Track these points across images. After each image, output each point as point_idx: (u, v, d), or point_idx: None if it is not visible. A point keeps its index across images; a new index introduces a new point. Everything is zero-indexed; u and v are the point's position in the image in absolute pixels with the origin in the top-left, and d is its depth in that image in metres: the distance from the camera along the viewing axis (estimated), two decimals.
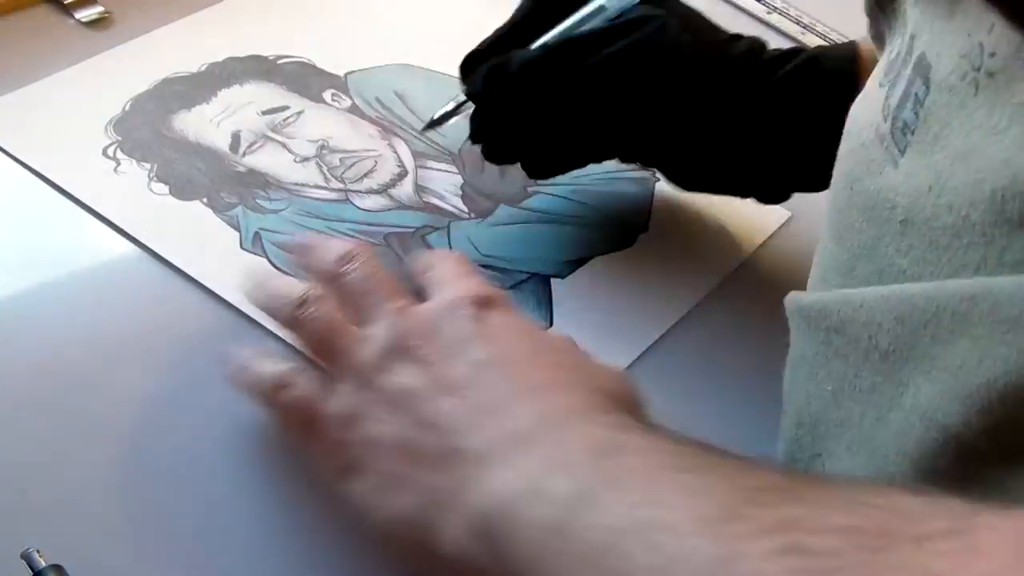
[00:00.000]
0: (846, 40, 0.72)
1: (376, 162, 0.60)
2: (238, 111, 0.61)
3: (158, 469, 0.44)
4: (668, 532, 0.30)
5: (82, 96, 0.61)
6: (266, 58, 0.66)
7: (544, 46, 0.53)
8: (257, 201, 0.56)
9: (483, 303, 0.44)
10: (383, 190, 0.59)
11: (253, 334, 0.50)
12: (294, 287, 0.46)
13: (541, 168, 0.56)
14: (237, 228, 0.55)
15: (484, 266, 0.55)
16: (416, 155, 0.61)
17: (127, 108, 0.61)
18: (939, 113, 0.34)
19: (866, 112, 0.39)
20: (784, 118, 0.52)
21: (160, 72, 0.63)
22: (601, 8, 0.53)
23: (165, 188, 0.56)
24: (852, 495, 0.29)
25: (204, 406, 0.47)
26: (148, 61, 0.64)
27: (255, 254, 0.54)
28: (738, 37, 0.55)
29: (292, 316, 0.45)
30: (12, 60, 0.63)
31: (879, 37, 0.41)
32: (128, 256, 0.53)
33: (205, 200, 0.56)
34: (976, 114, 0.33)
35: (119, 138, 0.58)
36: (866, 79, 0.47)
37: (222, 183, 0.57)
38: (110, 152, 0.58)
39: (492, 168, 0.59)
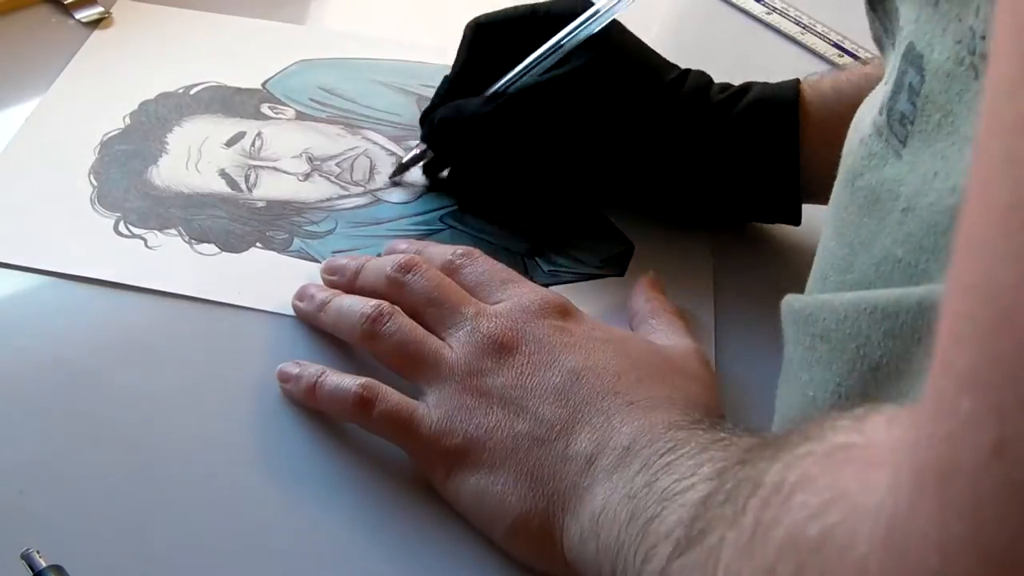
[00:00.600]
0: (842, 39, 0.72)
1: (370, 158, 0.60)
2: (202, 150, 0.59)
3: (158, 469, 0.44)
4: (691, 489, 0.35)
5: (38, 181, 0.56)
6: (176, 92, 0.63)
7: (496, 95, 0.55)
8: (306, 228, 0.55)
9: (560, 312, 0.47)
10: (398, 180, 0.59)
11: (252, 332, 0.50)
12: (359, 304, 0.47)
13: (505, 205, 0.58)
14: (311, 259, 0.54)
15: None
16: (395, 139, 0.60)
17: (94, 182, 0.56)
18: (938, 100, 0.34)
19: (868, 110, 0.39)
20: (739, 152, 0.54)
21: (88, 137, 0.59)
22: (557, 46, 0.54)
23: (213, 248, 0.54)
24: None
25: (205, 406, 0.46)
26: (63, 131, 0.59)
27: None
28: (685, 73, 0.56)
29: (368, 332, 0.46)
30: (12, 60, 0.63)
31: (878, 40, 0.41)
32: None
33: (259, 245, 0.54)
34: (976, 99, 0.33)
35: (118, 214, 0.55)
36: (810, 112, 0.53)
37: (259, 224, 0.55)
38: (123, 230, 0.54)
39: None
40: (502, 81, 0.55)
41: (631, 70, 0.55)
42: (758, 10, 0.75)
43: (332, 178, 0.58)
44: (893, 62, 0.38)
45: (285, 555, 0.42)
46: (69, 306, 0.50)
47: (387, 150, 0.60)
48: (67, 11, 0.67)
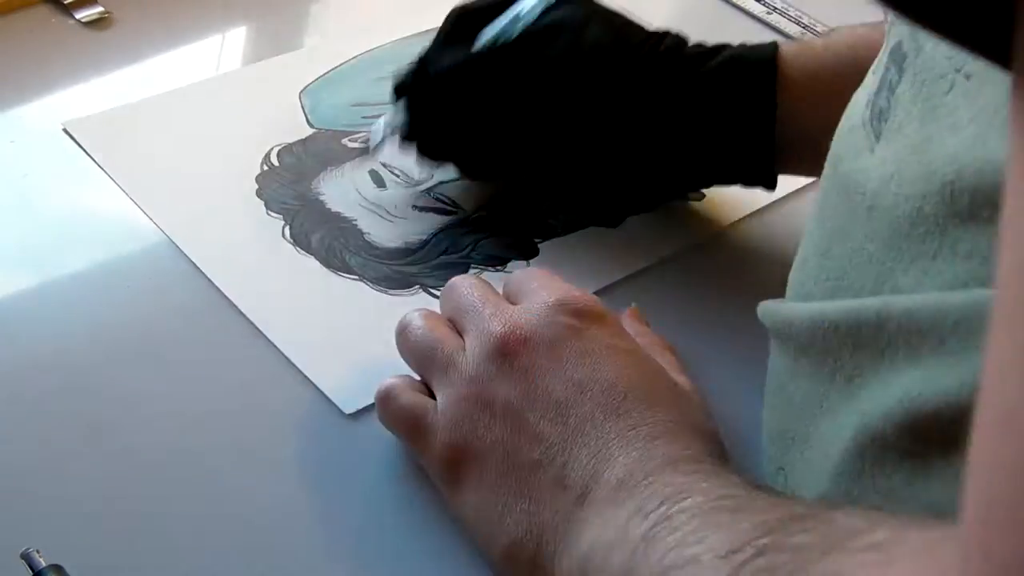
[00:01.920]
0: None
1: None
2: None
3: (158, 469, 0.44)
4: (695, 564, 0.33)
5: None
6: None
7: (468, 53, 0.55)
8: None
9: (580, 312, 0.44)
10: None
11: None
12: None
13: (473, 168, 0.58)
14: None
15: None
16: None
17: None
18: (905, 103, 0.35)
19: (859, 97, 0.39)
20: (711, 111, 0.53)
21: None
22: (516, 18, 0.54)
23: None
24: (817, 515, 0.31)
25: (205, 405, 0.47)
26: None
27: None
28: (663, 34, 0.55)
29: (399, 329, 0.46)
30: (12, 60, 0.63)
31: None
32: (133, 253, 0.53)
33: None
34: (939, 110, 0.33)
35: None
36: (789, 74, 0.51)
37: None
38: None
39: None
40: (478, 44, 0.55)
41: (601, 28, 0.54)
42: (758, 10, 0.75)
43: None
44: (882, 55, 0.38)
45: (286, 555, 0.42)
46: (69, 306, 0.50)
47: None
48: (67, 11, 0.67)
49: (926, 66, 0.34)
